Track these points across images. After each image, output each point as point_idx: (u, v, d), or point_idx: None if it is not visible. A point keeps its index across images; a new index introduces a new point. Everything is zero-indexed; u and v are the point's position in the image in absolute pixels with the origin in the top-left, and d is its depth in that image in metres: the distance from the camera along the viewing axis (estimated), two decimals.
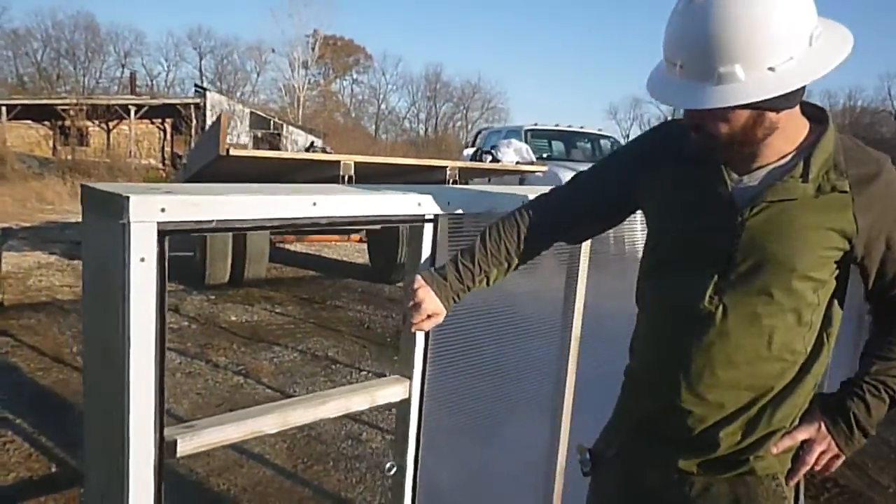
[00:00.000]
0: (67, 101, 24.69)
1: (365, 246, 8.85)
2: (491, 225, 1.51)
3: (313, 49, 39.21)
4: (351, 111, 50.64)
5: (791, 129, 1.24)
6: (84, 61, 42.77)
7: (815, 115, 1.28)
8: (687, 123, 1.25)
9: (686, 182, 1.32)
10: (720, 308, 1.27)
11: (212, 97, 25.36)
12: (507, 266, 1.50)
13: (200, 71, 48.87)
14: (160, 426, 1.29)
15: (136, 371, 1.23)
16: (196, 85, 32.74)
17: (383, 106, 53.93)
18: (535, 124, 11.16)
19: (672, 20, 1.20)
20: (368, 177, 6.01)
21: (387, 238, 7.77)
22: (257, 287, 7.25)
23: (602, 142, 11.76)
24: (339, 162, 5.31)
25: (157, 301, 1.24)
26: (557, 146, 11.21)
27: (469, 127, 50.49)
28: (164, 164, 25.23)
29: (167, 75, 49.06)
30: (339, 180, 5.72)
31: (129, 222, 1.17)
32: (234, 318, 6.09)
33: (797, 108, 1.23)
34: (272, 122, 25.03)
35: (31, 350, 4.91)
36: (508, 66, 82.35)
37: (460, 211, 1.72)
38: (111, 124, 26.43)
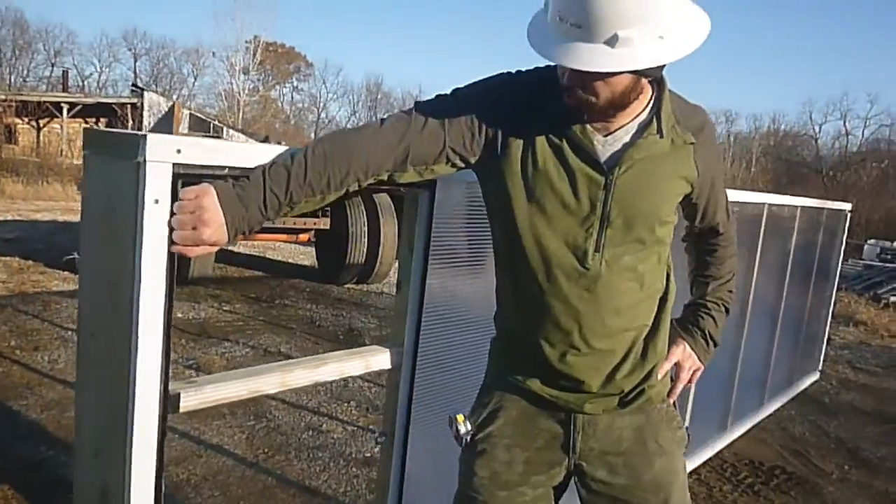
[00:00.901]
0: None
1: (309, 248, 8.75)
2: (316, 147, 1.24)
3: (254, 55, 38.64)
4: (291, 118, 50.06)
5: (645, 93, 1.30)
6: (11, 59, 40.94)
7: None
8: (566, 84, 1.22)
9: (553, 144, 1.29)
10: (602, 263, 1.32)
11: (149, 97, 24.58)
12: (319, 199, 1.26)
13: (135, 73, 47.49)
14: (165, 378, 1.26)
15: (145, 317, 1.19)
16: (133, 84, 31.80)
17: (323, 114, 53.52)
18: None
19: None
20: None
21: (335, 239, 7.71)
22: (202, 285, 7.08)
23: None
24: None
25: (169, 247, 1.21)
26: None
27: None
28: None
29: (100, 76, 47.45)
30: None
31: (144, 161, 1.14)
32: (180, 315, 5.92)
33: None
34: (212, 125, 24.46)
35: None
36: (449, 77, 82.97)
37: (459, 178, 1.73)
38: (42, 122, 25.37)
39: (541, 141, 1.30)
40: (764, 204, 3.70)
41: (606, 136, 1.30)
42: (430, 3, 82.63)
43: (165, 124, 6.30)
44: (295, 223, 7.75)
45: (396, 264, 8.08)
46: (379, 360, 1.71)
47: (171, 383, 1.28)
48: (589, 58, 1.15)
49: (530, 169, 1.31)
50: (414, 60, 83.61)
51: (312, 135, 49.57)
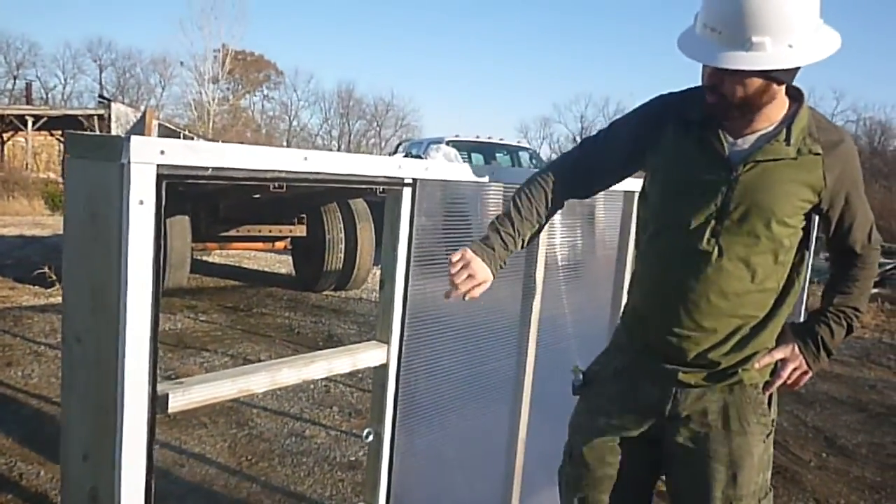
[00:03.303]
0: None
1: (285, 256, 8.69)
2: (519, 191, 1.67)
3: (223, 64, 38.31)
4: (262, 127, 49.65)
5: (780, 102, 1.49)
6: None
7: (793, 94, 1.53)
8: (707, 83, 1.46)
9: (688, 142, 1.54)
10: (716, 248, 1.50)
11: (117, 108, 24.11)
12: (537, 227, 1.67)
13: (101, 84, 46.95)
14: (153, 379, 1.25)
15: (132, 318, 1.19)
16: (100, 96, 31.39)
17: (295, 123, 53.22)
18: (457, 136, 11.32)
19: None
20: (299, 188, 5.96)
21: (312, 246, 7.67)
22: (177, 296, 6.99)
23: (521, 154, 12.02)
24: None
25: (154, 248, 1.21)
26: (477, 157, 11.39)
27: (383, 144, 50.49)
28: (63, 177, 23.87)
29: (64, 88, 46.81)
30: (270, 187, 5.66)
31: (128, 162, 1.15)
32: None
33: (784, 86, 1.46)
34: (182, 135, 24.20)
35: None
36: (421, 83, 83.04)
37: (438, 177, 1.75)
38: (5, 136, 24.93)
39: (681, 143, 1.55)
40: None
41: (737, 139, 1.50)
42: (400, 9, 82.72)
43: (138, 131, 6.22)
44: (271, 231, 7.70)
45: (375, 270, 8.03)
46: (366, 357, 1.72)
47: (158, 384, 1.28)
48: (724, 57, 1.38)
49: (665, 165, 1.58)
50: (386, 67, 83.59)
51: (284, 143, 49.27)
